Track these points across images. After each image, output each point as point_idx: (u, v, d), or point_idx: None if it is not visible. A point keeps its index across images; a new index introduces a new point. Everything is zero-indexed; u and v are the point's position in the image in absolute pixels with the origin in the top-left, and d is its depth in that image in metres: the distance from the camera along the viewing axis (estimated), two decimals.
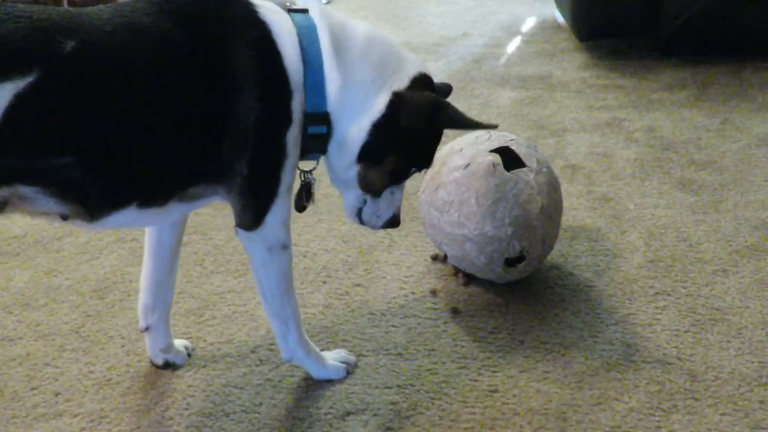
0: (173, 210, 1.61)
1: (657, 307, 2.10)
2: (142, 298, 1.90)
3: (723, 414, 1.74)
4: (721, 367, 1.88)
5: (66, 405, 1.82)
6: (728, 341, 1.97)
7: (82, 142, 1.40)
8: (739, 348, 1.94)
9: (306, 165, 1.79)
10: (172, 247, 1.86)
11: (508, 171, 2.10)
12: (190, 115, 1.51)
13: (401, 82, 1.72)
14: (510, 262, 2.10)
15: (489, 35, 4.77)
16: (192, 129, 1.52)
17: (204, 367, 1.93)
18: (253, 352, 1.98)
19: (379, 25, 5.03)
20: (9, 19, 1.34)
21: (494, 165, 2.09)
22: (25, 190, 1.40)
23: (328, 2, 5.76)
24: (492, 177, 2.08)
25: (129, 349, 2.00)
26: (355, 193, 1.79)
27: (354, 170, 1.74)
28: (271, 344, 2.00)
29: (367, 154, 1.71)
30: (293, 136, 1.62)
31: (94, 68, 1.41)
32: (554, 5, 4.81)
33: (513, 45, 4.57)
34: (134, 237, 2.52)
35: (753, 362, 1.89)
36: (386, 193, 1.80)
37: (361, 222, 1.85)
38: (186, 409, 1.80)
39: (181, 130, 1.51)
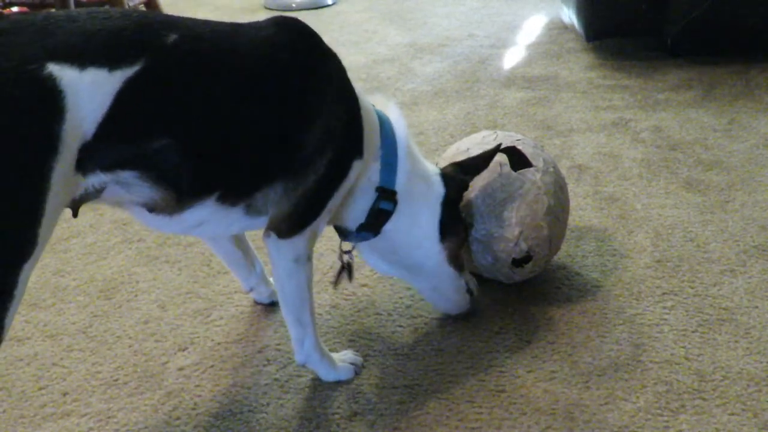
0: (238, 219, 1.68)
1: (664, 307, 2.09)
2: (235, 273, 2.13)
3: (731, 414, 1.73)
4: (729, 367, 1.87)
5: (74, 405, 1.82)
6: (736, 341, 1.96)
7: (181, 126, 1.49)
8: (748, 348, 1.94)
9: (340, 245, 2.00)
10: (231, 241, 2.05)
11: (515, 171, 2.09)
12: (278, 113, 1.61)
13: (435, 167, 2.00)
14: (517, 263, 2.10)
15: (495, 36, 4.77)
16: (277, 126, 1.62)
17: (211, 367, 1.93)
18: (260, 352, 1.98)
19: (385, 26, 5.03)
20: (115, 17, 1.45)
21: (501, 165, 2.09)
22: (125, 175, 1.46)
23: (334, 2, 5.75)
24: (498, 177, 2.07)
25: (136, 349, 2.00)
26: (453, 280, 1.99)
27: (441, 250, 1.94)
28: (278, 344, 2.00)
29: (445, 231, 1.93)
30: (357, 169, 1.76)
31: (194, 58, 1.51)
32: (560, 6, 4.80)
33: (519, 45, 4.57)
34: (141, 238, 2.53)
35: (761, 362, 1.89)
36: None
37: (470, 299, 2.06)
38: (193, 409, 1.80)
39: (268, 126, 1.61)
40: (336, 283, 2.07)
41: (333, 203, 1.75)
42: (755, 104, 3.47)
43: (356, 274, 2.27)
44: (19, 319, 2.13)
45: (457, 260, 1.98)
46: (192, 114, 1.50)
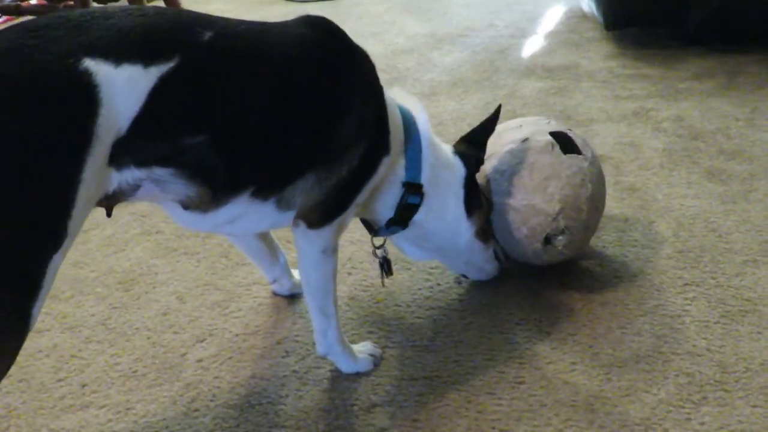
0: (270, 214, 1.68)
1: (686, 298, 2.07)
2: (258, 265, 2.16)
3: (754, 406, 1.71)
4: (752, 359, 1.85)
5: (92, 396, 1.83)
6: (759, 332, 1.94)
7: (216, 123, 1.49)
8: None
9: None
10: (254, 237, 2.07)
11: (565, 154, 2.10)
12: (309, 110, 1.63)
13: (450, 149, 2.04)
14: (548, 240, 2.08)
15: (514, 25, 4.74)
16: (309, 122, 1.63)
17: (230, 358, 1.93)
18: (278, 343, 1.98)
19: (404, 17, 5.02)
20: (151, 14, 1.46)
21: (552, 144, 2.10)
22: (160, 172, 1.46)
23: None
24: (548, 155, 2.08)
25: (155, 341, 2.01)
26: (483, 252, 2.08)
27: (470, 227, 2.01)
28: (297, 336, 1.99)
29: (471, 208, 2.00)
30: (385, 165, 1.79)
31: (229, 55, 1.51)
32: None
33: (538, 35, 4.54)
34: (159, 230, 2.53)
35: None
36: None
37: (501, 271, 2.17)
38: (212, 400, 1.80)
39: (300, 122, 1.62)
40: (382, 279, 2.12)
41: (361, 197, 1.77)
42: None
43: (374, 266, 2.27)
44: None
45: (485, 234, 2.06)
46: (227, 111, 1.51)
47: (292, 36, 1.65)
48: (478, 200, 2.03)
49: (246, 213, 1.64)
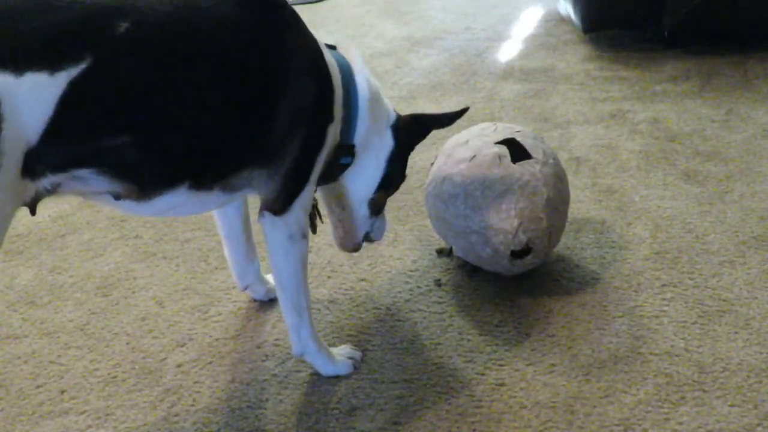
0: (216, 199, 1.65)
1: (664, 299, 2.09)
2: (233, 267, 2.09)
3: (732, 405, 1.73)
4: (729, 359, 1.87)
5: (72, 402, 1.82)
6: (736, 332, 1.96)
7: (138, 122, 1.41)
8: (747, 339, 1.93)
9: None
10: (241, 220, 2.02)
11: (514, 163, 2.09)
12: (245, 96, 1.55)
13: (392, 117, 1.97)
14: (516, 255, 2.09)
15: (491, 28, 4.76)
16: (246, 109, 1.56)
17: (210, 363, 1.93)
18: (258, 348, 1.98)
19: (382, 20, 5.02)
20: (58, 7, 1.33)
21: (500, 157, 2.08)
22: (80, 172, 1.39)
23: None
24: (498, 168, 2.07)
25: (134, 346, 2.00)
26: (363, 221, 2.00)
27: (368, 200, 1.96)
28: (277, 340, 1.99)
29: (385, 183, 1.96)
30: (332, 132, 1.75)
31: (149, 48, 1.41)
32: None
33: (515, 38, 4.56)
34: (138, 234, 2.52)
35: (761, 353, 1.88)
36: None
37: (365, 242, 2.07)
38: (192, 405, 1.80)
39: (236, 110, 1.55)
40: (311, 224, 1.97)
41: (318, 168, 1.75)
42: (753, 95, 3.46)
43: (354, 269, 2.27)
44: (16, 316, 2.13)
45: (377, 206, 2.00)
46: (149, 108, 1.42)
47: (220, 17, 1.53)
48: (396, 179, 1.99)
49: (188, 201, 1.59)
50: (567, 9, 4.44)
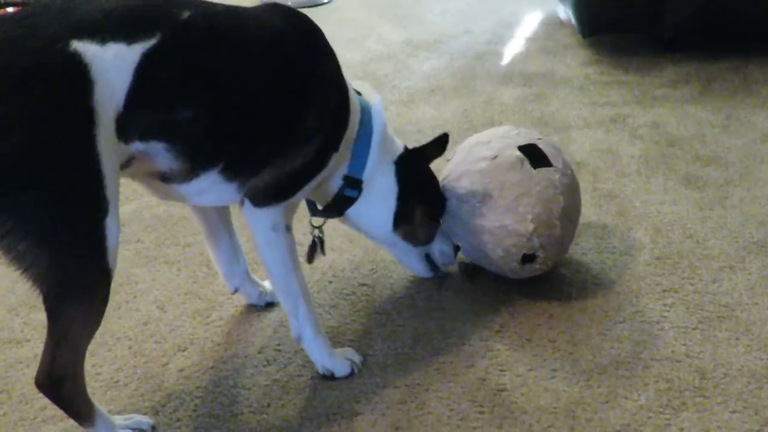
0: (229, 193, 1.75)
1: (665, 304, 2.09)
2: (220, 269, 2.11)
3: (733, 411, 1.73)
4: (730, 364, 1.87)
5: None
6: (737, 338, 1.96)
7: (200, 98, 1.58)
8: (748, 345, 1.93)
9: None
10: (222, 220, 2.05)
11: (535, 168, 2.09)
12: (282, 96, 1.71)
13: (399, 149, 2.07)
14: (527, 259, 2.09)
15: (491, 32, 4.76)
16: (281, 108, 1.71)
17: (212, 368, 1.93)
18: (260, 352, 1.98)
19: (381, 23, 5.03)
20: None
21: (522, 160, 2.09)
22: (156, 145, 1.57)
23: (329, 0, 5.74)
24: (518, 172, 2.08)
25: (136, 351, 2.00)
26: (408, 252, 2.14)
27: (396, 236, 2.06)
28: (278, 345, 2.00)
29: (401, 222, 2.03)
30: (333, 161, 1.85)
31: (208, 34, 1.61)
32: (556, 2, 4.80)
33: (515, 42, 4.57)
34: (139, 238, 2.52)
35: (762, 359, 1.89)
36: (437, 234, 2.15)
37: (438, 269, 2.22)
38: (194, 410, 1.80)
39: (275, 103, 1.70)
40: (309, 257, 2.11)
41: (307, 188, 1.84)
42: (753, 99, 3.47)
43: (355, 273, 2.27)
44: (17, 321, 2.13)
45: (414, 238, 2.09)
46: (209, 87, 1.59)
47: (265, 22, 1.74)
48: (411, 214, 2.05)
49: (212, 188, 1.70)
50: (567, 13, 4.45)
